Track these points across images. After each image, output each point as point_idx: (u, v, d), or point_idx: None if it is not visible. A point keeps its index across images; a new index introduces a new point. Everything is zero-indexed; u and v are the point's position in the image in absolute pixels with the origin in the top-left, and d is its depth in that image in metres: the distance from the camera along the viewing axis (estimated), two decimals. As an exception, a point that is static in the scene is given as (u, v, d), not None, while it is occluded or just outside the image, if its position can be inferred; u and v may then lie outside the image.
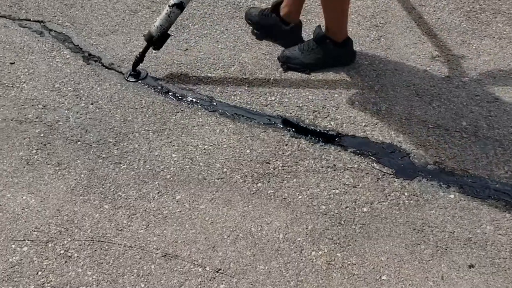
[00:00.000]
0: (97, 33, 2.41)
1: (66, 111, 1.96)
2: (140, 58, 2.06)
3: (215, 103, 1.98)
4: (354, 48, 2.09)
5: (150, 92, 2.05)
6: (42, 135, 1.86)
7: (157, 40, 1.98)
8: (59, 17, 2.54)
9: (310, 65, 2.05)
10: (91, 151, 1.80)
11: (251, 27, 2.29)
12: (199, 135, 1.84)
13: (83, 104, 2.00)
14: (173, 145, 1.81)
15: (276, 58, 2.13)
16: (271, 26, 2.16)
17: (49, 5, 2.63)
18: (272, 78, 2.08)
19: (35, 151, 1.80)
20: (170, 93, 2.05)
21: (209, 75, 2.13)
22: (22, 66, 2.20)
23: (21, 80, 2.13)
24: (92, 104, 2.00)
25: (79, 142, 1.83)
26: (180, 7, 1.90)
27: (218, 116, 1.92)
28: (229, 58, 2.21)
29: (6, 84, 2.11)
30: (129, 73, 2.10)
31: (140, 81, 2.07)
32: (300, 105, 1.95)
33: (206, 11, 2.50)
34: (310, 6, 2.49)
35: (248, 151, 1.77)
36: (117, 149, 1.80)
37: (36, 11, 2.59)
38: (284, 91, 2.02)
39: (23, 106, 1.99)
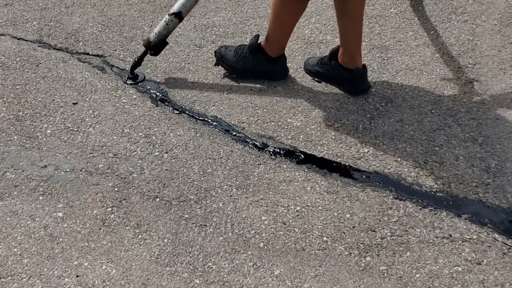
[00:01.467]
0: (163, 70, 2.23)
1: (139, 161, 1.77)
2: (137, 62, 2.08)
3: (301, 155, 1.78)
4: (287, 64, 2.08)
5: (226, 140, 1.85)
6: (116, 189, 1.67)
7: (154, 47, 2.00)
8: (119, 51, 2.36)
9: (239, 70, 2.07)
10: (172, 210, 1.60)
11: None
12: (288, 193, 1.63)
13: (157, 153, 1.81)
14: (261, 205, 1.60)
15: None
16: (332, 73, 2.02)
17: (108, 38, 2.47)
18: (360, 126, 1.87)
19: (110, 209, 1.61)
20: (248, 141, 1.85)
21: (289, 120, 1.92)
22: (86, 107, 2.02)
23: (87, 123, 1.95)
24: (166, 153, 1.80)
25: (157, 199, 1.64)
26: (178, 16, 1.92)
27: (306, 170, 1.71)
28: (309, 101, 2.01)
29: (71, 128, 1.93)
30: (127, 76, 2.12)
31: (138, 84, 2.11)
32: (398, 159, 1.73)
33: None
34: (389, 43, 2.28)
35: (348, 215, 1.55)
36: (200, 208, 1.60)
37: (94, 43, 2.42)
38: (377, 141, 1.80)
39: (91, 154, 1.81)
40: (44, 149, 1.83)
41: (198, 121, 1.94)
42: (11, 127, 1.93)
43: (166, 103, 2.03)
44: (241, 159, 1.76)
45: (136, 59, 2.07)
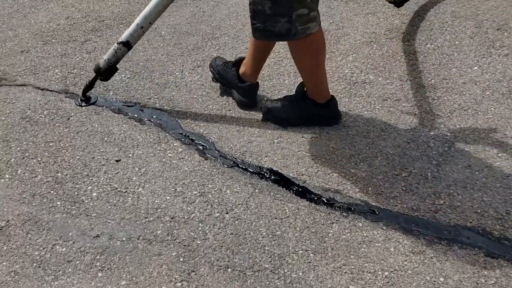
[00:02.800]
0: (204, 119, 2.08)
1: (200, 224, 1.61)
2: (89, 86, 2.14)
3: (375, 211, 1.64)
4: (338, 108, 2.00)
5: (289, 195, 1.71)
6: (181, 259, 1.50)
7: (104, 72, 2.05)
8: (154, 100, 2.22)
9: (290, 120, 1.97)
10: (248, 281, 1.44)
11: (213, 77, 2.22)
12: (372, 256, 1.49)
13: (217, 214, 1.65)
14: (345, 272, 1.45)
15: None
16: (228, 78, 2.11)
17: (139, 85, 2.32)
18: (429, 174, 1.75)
19: (180, 284, 1.44)
20: (314, 197, 1.70)
21: (352, 170, 1.79)
22: (130, 164, 1.86)
23: (135, 182, 1.78)
24: (227, 213, 1.65)
25: (229, 269, 1.47)
26: (127, 45, 1.97)
27: (384, 228, 1.57)
28: (368, 148, 1.88)
29: (119, 189, 1.76)
30: (79, 98, 2.19)
31: (91, 105, 2.16)
32: (478, 210, 1.60)
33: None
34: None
35: (441, 278, 1.41)
36: (278, 278, 1.44)
37: (125, 92, 2.27)
38: (450, 191, 1.68)
39: (146, 219, 1.64)
40: (93, 216, 1.66)
41: (254, 174, 1.80)
42: (52, 191, 1.76)
43: (215, 155, 1.88)
44: (311, 218, 1.61)
45: (88, 83, 2.14)
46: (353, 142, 1.90)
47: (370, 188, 1.71)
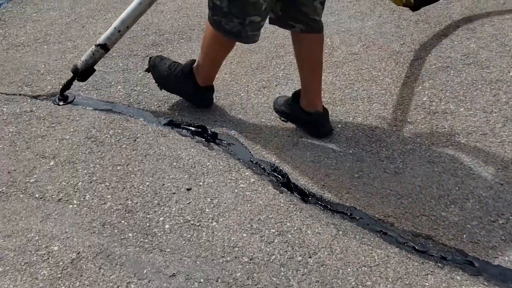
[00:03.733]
0: (275, 146, 1.96)
1: (282, 269, 1.49)
2: (66, 86, 2.18)
3: (473, 262, 1.49)
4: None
5: (377, 240, 1.57)
6: (265, 309, 1.39)
7: (81, 73, 2.09)
8: (221, 123, 2.11)
9: (166, 85, 2.15)
10: None
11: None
12: (475, 316, 1.34)
13: (299, 258, 1.52)
14: (448, 334, 1.31)
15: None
16: (295, 115, 2.03)
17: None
18: (530, 222, 1.59)
19: (266, 338, 1.32)
20: (403, 242, 1.56)
21: (442, 214, 1.64)
22: (202, 194, 1.76)
23: (208, 215, 1.68)
24: (310, 257, 1.52)
25: (318, 324, 1.35)
26: (104, 48, 2.01)
27: (485, 284, 1.42)
28: (457, 189, 1.73)
29: (192, 222, 1.65)
30: (57, 97, 2.23)
31: (69, 104, 2.21)
32: None
33: (396, 115, 2.06)
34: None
35: None
36: (373, 337, 1.31)
37: (191, 113, 2.17)
38: (558, 244, 1.52)
39: (224, 259, 1.53)
40: (167, 251, 1.55)
41: (335, 213, 1.67)
42: (123, 221, 1.67)
43: (291, 189, 1.76)
44: (402, 267, 1.47)
45: (65, 83, 2.17)
46: (441, 181, 1.75)
47: (464, 235, 1.56)
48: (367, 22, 2.84)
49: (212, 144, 1.99)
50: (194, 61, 2.08)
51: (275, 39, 2.70)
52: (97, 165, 1.89)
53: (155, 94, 2.28)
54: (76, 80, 2.14)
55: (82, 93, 2.32)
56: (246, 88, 2.32)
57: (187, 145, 1.98)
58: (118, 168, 1.88)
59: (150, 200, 1.73)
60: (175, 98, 2.23)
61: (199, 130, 2.06)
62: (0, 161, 1.92)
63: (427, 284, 1.42)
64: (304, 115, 1.97)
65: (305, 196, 1.73)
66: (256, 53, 2.58)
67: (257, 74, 2.41)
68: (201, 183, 1.79)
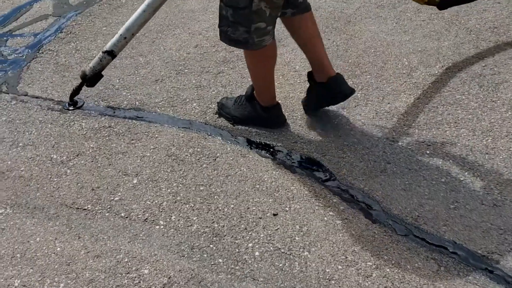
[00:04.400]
0: (362, 172, 1.89)
1: (384, 306, 1.41)
2: (76, 91, 2.27)
3: None
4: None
5: (483, 279, 1.47)
6: None
7: (89, 79, 2.17)
8: (301, 144, 2.05)
9: (237, 117, 2.13)
10: None
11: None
12: None
13: (402, 295, 1.44)
14: None
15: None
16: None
17: (283, 126, 2.16)
18: None
19: None
20: (511, 283, 1.46)
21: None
22: (289, 221, 1.70)
23: (298, 244, 1.61)
24: (414, 295, 1.43)
25: None
26: (111, 54, 2.09)
27: None
28: None
29: (282, 250, 1.59)
30: (67, 103, 2.33)
31: (78, 109, 2.30)
32: None
33: (487, 143, 1.95)
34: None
35: None
36: None
37: (269, 134, 2.12)
38: None
39: (320, 292, 1.46)
40: (260, 280, 1.50)
41: (434, 247, 1.57)
42: (211, 245, 1.62)
43: (384, 218, 1.68)
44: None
45: (74, 89, 2.26)
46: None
47: None
48: (444, 42, 2.74)
49: (294, 167, 1.93)
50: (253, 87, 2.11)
51: (348, 57, 2.63)
52: (180, 185, 1.86)
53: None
54: (85, 86, 2.22)
55: (158, 109, 2.31)
56: (325, 108, 2.25)
57: (268, 166, 1.93)
58: (201, 188, 1.84)
59: (236, 224, 1.68)
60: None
61: (279, 151, 2.01)
62: (83, 177, 1.92)
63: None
64: (323, 87, 2.05)
65: (400, 227, 1.64)
66: (330, 72, 2.51)
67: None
68: (287, 209, 1.74)
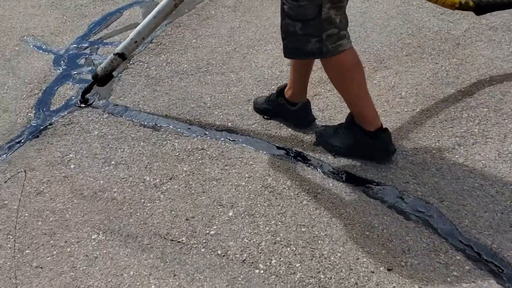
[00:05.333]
0: (488, 224, 1.65)
1: None
2: (87, 90, 2.39)
3: None
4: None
5: None
6: None
7: (100, 79, 2.25)
8: (414, 186, 1.83)
9: (338, 148, 1.96)
10: None
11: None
12: None
13: None
14: None
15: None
16: (278, 109, 2.15)
17: (391, 162, 1.95)
18: None
19: None
20: None
21: None
22: (407, 278, 1.49)
23: (419, 309, 1.40)
24: None
25: None
26: (122, 56, 2.16)
27: None
28: None
29: (401, 315, 1.39)
30: (78, 100, 2.40)
31: (89, 106, 2.37)
32: None
33: None
34: None
35: None
36: None
37: (375, 170, 1.92)
38: None
39: None
40: None
41: None
42: (318, 300, 1.44)
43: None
44: None
45: (86, 87, 2.37)
46: None
47: None
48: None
49: (408, 213, 1.71)
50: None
51: (460, 84, 2.38)
52: (279, 223, 1.71)
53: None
54: (96, 85, 2.31)
55: (251, 133, 2.17)
56: (438, 144, 2.02)
57: (377, 210, 1.73)
58: (303, 229, 1.68)
59: (345, 277, 1.50)
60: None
61: (388, 192, 1.80)
62: (177, 204, 1.81)
63: None
64: (292, 106, 2.11)
65: (540, 300, 1.39)
66: (440, 100, 2.28)
67: (447, 128, 2.11)
68: (403, 263, 1.53)
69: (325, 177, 1.90)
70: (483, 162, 1.90)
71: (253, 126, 2.22)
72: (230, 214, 1.76)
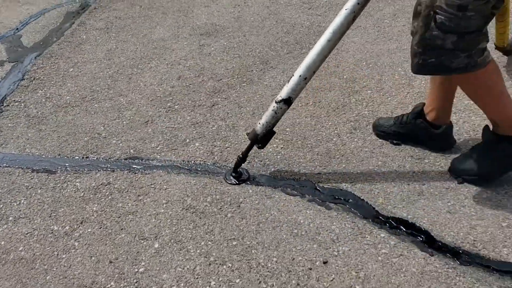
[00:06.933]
0: (398, 197, 1.75)
1: None
2: (242, 158, 1.84)
3: None
4: None
5: None
6: None
7: (261, 139, 1.78)
8: (326, 175, 1.88)
9: (487, 174, 1.72)
10: None
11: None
12: None
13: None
14: None
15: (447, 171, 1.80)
16: (416, 133, 1.90)
17: (299, 156, 1.99)
18: None
19: None
20: None
21: None
22: (343, 267, 1.52)
23: (361, 293, 1.44)
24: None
25: None
26: (288, 102, 1.70)
27: None
28: None
29: (347, 304, 1.41)
30: (230, 173, 1.88)
31: (244, 183, 1.85)
32: None
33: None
34: None
35: None
36: None
37: (289, 167, 1.94)
38: None
39: None
40: None
41: (503, 274, 1.45)
42: (266, 311, 1.41)
43: (440, 249, 1.54)
44: None
45: (241, 155, 1.84)
46: None
47: None
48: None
49: (327, 202, 1.75)
50: (488, 127, 1.73)
51: (342, 73, 2.50)
52: (209, 242, 1.64)
53: (240, 148, 2.04)
54: (256, 148, 1.84)
55: (158, 155, 2.06)
56: (336, 131, 2.10)
57: (299, 206, 1.75)
58: (234, 243, 1.63)
59: (286, 281, 1.49)
60: (268, 149, 2.00)
61: (305, 186, 1.83)
62: (95, 248, 1.65)
63: None
64: (435, 129, 1.87)
65: (458, 255, 1.51)
66: (329, 90, 2.38)
67: (341, 115, 2.20)
68: (336, 253, 1.56)
69: (243, 184, 1.86)
70: (379, 140, 2.01)
71: (158, 148, 2.11)
72: (156, 245, 1.64)
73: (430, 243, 1.55)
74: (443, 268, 1.47)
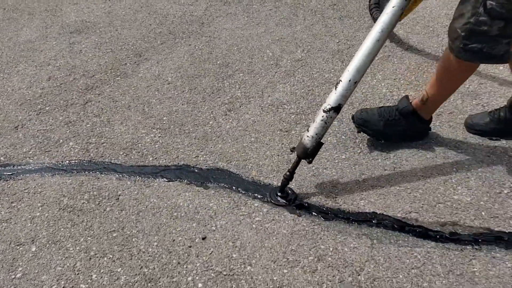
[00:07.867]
0: (269, 168, 1.86)
1: (340, 295, 1.40)
2: (290, 176, 1.68)
3: (503, 237, 1.54)
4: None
5: (410, 239, 1.55)
6: None
7: (311, 152, 1.63)
8: (204, 157, 1.94)
9: (387, 135, 1.87)
10: None
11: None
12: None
13: (349, 279, 1.45)
14: (516, 311, 1.33)
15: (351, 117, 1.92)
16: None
17: (177, 143, 2.03)
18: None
19: None
20: (435, 235, 1.57)
21: (455, 197, 1.68)
22: (221, 239, 1.59)
23: (238, 261, 1.52)
24: (359, 275, 1.45)
25: None
26: (337, 110, 1.57)
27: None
28: (455, 170, 1.78)
29: (225, 273, 1.49)
30: (275, 193, 1.72)
31: (291, 205, 1.69)
32: None
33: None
34: None
35: None
36: (457, 337, 1.29)
37: (166, 153, 1.97)
38: (559, 200, 1.63)
39: (278, 302, 1.39)
40: (215, 313, 1.38)
41: (360, 223, 1.62)
42: (149, 293, 1.45)
43: (307, 209, 1.68)
44: (447, 260, 1.47)
45: (288, 173, 1.67)
46: (437, 166, 1.79)
47: (483, 213, 1.60)
48: (296, 27, 2.83)
49: (205, 183, 1.82)
50: (408, 97, 1.86)
51: (216, 59, 2.57)
52: (89, 238, 1.63)
53: (116, 142, 2.03)
54: (306, 162, 1.67)
55: (30, 160, 1.99)
56: (212, 115, 2.17)
57: (178, 189, 1.79)
58: (114, 235, 1.63)
59: (167, 262, 1.53)
60: (140, 140, 2.01)
61: (183, 170, 1.87)
62: (-34, 264, 1.56)
63: (475, 269, 1.44)
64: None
65: (323, 213, 1.65)
66: (203, 77, 2.43)
67: (216, 99, 2.27)
68: (214, 228, 1.63)
69: (120, 176, 1.86)
70: (252, 118, 2.11)
71: (30, 152, 2.02)
72: (33, 249, 1.60)
73: (298, 206, 1.67)
74: (309, 226, 1.60)
